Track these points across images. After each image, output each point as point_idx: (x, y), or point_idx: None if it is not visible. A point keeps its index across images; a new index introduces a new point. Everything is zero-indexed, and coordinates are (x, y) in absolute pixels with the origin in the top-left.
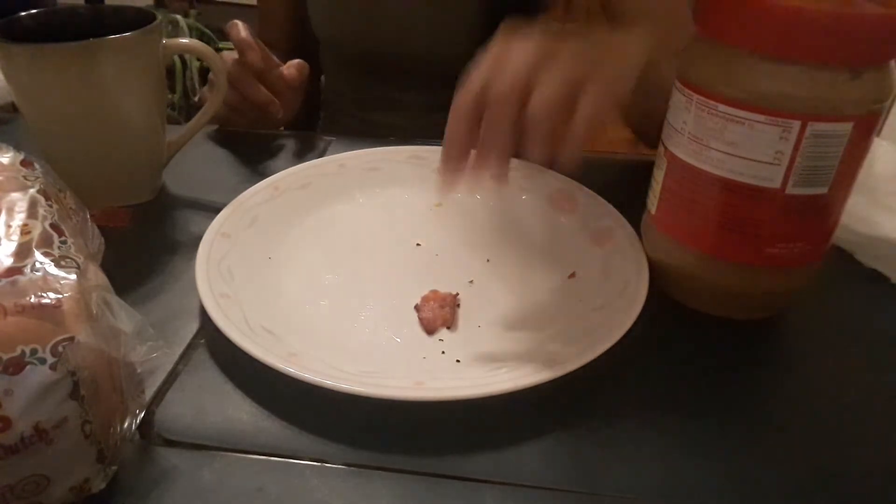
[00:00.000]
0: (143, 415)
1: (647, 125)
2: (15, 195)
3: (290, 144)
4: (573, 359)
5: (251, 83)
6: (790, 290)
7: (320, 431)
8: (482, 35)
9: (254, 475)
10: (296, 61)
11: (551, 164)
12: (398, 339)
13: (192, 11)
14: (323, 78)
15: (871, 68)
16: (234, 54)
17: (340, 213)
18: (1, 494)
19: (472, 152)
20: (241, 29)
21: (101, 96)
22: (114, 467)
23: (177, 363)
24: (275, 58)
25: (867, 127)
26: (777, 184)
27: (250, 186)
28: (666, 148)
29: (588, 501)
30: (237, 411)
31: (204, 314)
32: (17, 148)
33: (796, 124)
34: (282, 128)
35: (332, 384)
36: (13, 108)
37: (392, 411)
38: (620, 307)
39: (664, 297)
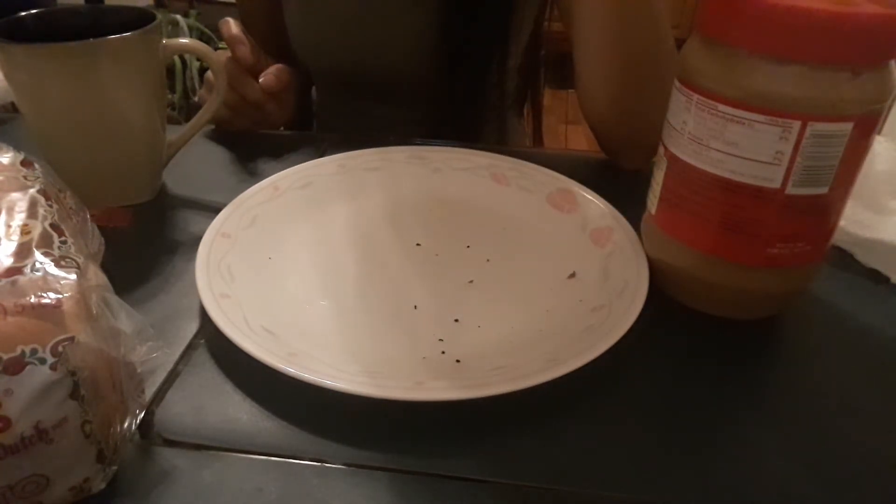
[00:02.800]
0: (143, 415)
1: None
2: (15, 195)
3: (290, 144)
4: (573, 359)
5: (244, 79)
6: (790, 290)
7: (320, 431)
8: (442, 50)
9: (254, 475)
10: (273, 67)
11: None
12: (398, 339)
13: (192, 11)
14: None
15: (871, 68)
16: (228, 52)
17: (340, 213)
18: (1, 494)
19: None
20: (231, 26)
21: (101, 96)
22: (114, 467)
23: (177, 363)
24: (267, 58)
25: (867, 127)
26: (777, 184)
27: (250, 186)
28: (666, 148)
29: (588, 501)
30: (237, 411)
31: (204, 314)
32: (17, 148)
33: (796, 124)
34: (281, 128)
35: (332, 384)
36: (13, 108)
37: (392, 411)
38: (620, 307)
39: (664, 297)
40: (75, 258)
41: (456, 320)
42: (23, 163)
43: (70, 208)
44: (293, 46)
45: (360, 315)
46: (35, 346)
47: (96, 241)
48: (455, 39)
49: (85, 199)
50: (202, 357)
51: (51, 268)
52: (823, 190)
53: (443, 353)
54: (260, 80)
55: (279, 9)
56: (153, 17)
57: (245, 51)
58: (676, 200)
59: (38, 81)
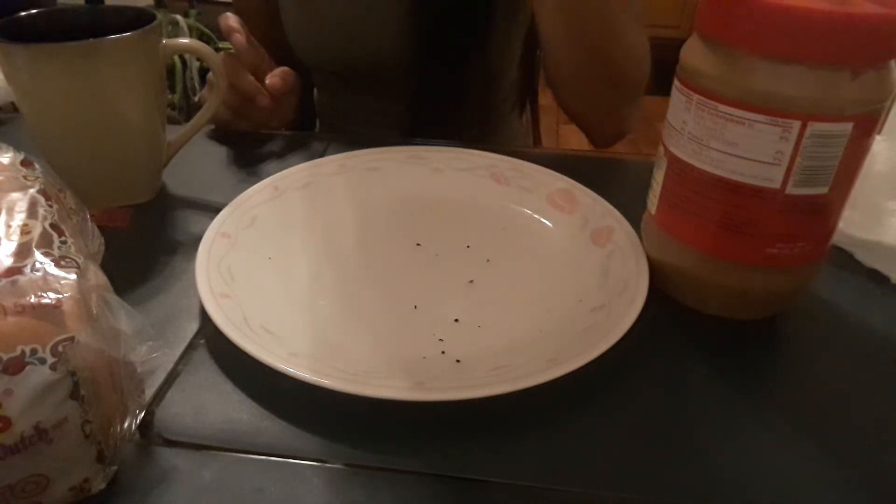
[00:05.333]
0: (143, 415)
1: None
2: (15, 195)
3: (290, 144)
4: (573, 359)
5: (238, 72)
6: (790, 290)
7: (320, 431)
8: (420, 40)
9: (254, 475)
10: (279, 69)
11: None
12: (398, 339)
13: (192, 11)
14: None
15: (871, 68)
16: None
17: (340, 213)
18: (1, 494)
19: None
20: (229, 18)
21: (101, 96)
22: (114, 467)
23: (177, 363)
24: (270, 60)
25: (867, 127)
26: (777, 184)
27: (250, 186)
28: (666, 148)
29: (588, 501)
30: (237, 411)
31: (204, 314)
32: (17, 148)
33: (796, 124)
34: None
35: (332, 384)
36: (13, 108)
37: (392, 411)
38: (620, 307)
39: (664, 297)
40: (75, 258)
41: (456, 320)
42: (23, 163)
43: (70, 208)
44: (290, 42)
45: (360, 315)
46: (35, 346)
47: (96, 241)
48: (431, 26)
49: (85, 199)
50: (202, 357)
51: (51, 268)
52: (823, 190)
53: (443, 353)
54: (266, 81)
55: (275, 8)
56: (153, 17)
57: (240, 39)
58: (676, 200)
59: (38, 81)
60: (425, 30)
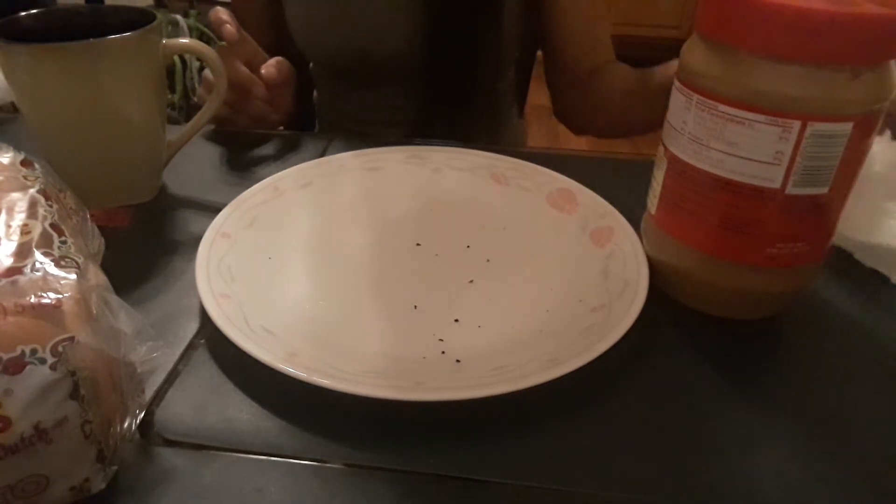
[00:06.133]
0: (143, 415)
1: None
2: (15, 195)
3: (290, 144)
4: (573, 359)
5: (232, 64)
6: (790, 290)
7: (320, 431)
8: (431, 33)
9: (254, 475)
10: (273, 59)
11: None
12: (398, 339)
13: (192, 11)
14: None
15: (871, 68)
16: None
17: (340, 214)
18: (1, 494)
19: None
20: (219, 11)
21: (101, 96)
22: (114, 467)
23: (177, 363)
24: (264, 54)
25: (867, 127)
26: (777, 184)
27: (250, 186)
28: (666, 148)
29: (588, 501)
30: (237, 411)
31: (204, 314)
32: (17, 148)
33: (796, 124)
34: (280, 128)
35: (332, 384)
36: (13, 108)
37: (392, 411)
38: (620, 307)
39: (664, 297)
40: (75, 258)
41: (456, 320)
42: (23, 163)
43: (70, 208)
44: (298, 43)
45: (360, 315)
46: (35, 346)
47: (96, 241)
48: (444, 18)
49: (85, 199)
50: (202, 357)
51: (51, 268)
52: (823, 190)
53: (443, 353)
54: (262, 72)
55: (276, 7)
56: (153, 17)
57: (231, 30)
58: (676, 200)
59: (38, 81)
60: (439, 16)
